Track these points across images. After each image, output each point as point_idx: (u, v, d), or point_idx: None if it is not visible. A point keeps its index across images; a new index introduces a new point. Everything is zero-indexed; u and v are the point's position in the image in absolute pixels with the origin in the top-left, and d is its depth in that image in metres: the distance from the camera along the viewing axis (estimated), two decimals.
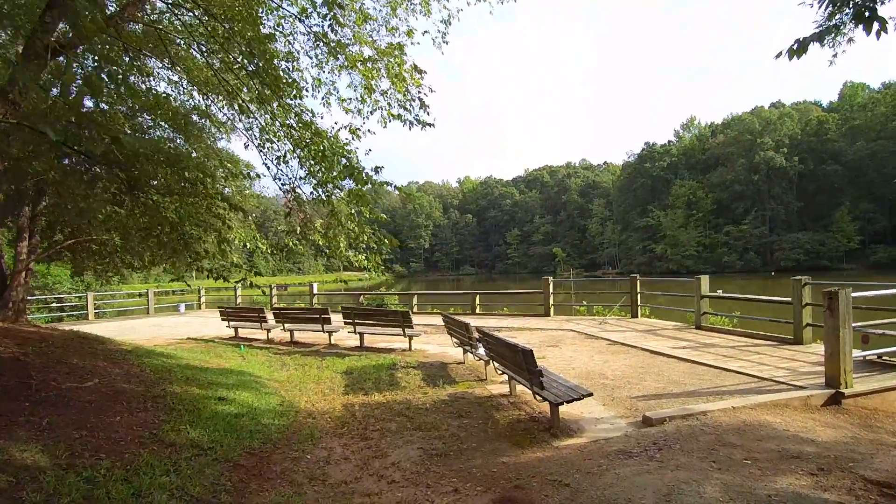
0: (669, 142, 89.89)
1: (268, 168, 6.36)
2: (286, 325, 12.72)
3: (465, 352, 9.18)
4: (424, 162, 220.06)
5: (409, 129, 7.14)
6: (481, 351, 7.97)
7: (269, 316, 13.47)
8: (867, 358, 6.74)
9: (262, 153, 6.38)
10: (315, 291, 20.91)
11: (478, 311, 16.73)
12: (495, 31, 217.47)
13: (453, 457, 5.03)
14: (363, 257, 7.73)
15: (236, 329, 14.10)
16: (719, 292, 11.30)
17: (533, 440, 5.32)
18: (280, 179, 6.44)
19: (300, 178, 6.28)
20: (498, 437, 5.48)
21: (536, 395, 5.74)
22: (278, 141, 6.32)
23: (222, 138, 11.02)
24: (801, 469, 4.13)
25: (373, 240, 6.85)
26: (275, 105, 5.79)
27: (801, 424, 5.29)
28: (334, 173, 6.03)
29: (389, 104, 6.70)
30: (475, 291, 17.34)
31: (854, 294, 6.24)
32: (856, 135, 67.85)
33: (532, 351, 5.58)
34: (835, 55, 5.82)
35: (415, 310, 18.03)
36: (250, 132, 6.59)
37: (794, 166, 69.97)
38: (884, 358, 7.14)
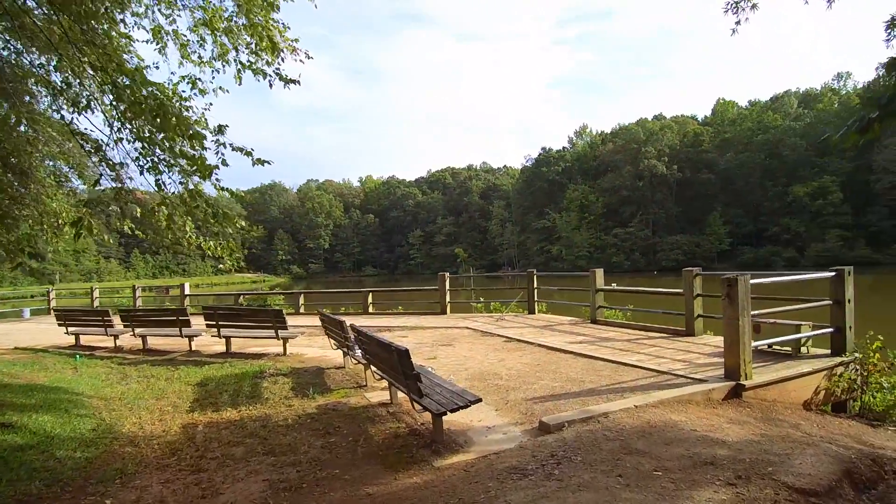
0: (564, 148, 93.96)
1: (62, 118, 4.82)
2: (136, 330, 10.80)
3: (344, 355, 8.04)
4: (326, 161, 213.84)
5: (271, 86, 5.85)
6: (358, 353, 6.90)
7: (118, 319, 11.41)
8: (758, 348, 6.51)
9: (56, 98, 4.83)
10: (187, 292, 18.59)
11: (371, 310, 15.57)
12: (411, 37, 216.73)
13: (307, 490, 3.91)
14: (214, 244, 6.36)
15: (77, 336, 11.85)
16: (613, 286, 11.07)
17: (411, 460, 4.33)
18: (81, 136, 4.93)
19: (107, 135, 4.80)
20: (368, 459, 4.44)
21: (415, 404, 4.77)
22: (78, 80, 4.80)
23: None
24: (719, 478, 3.50)
25: (215, 219, 5.50)
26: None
27: (707, 422, 4.77)
28: (160, 135, 4.65)
29: (237, 48, 5.38)
30: (368, 289, 16.17)
31: (752, 281, 5.92)
32: (726, 146, 74.74)
33: (408, 351, 4.61)
34: (738, 23, 5.46)
35: (301, 311, 16.50)
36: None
37: (674, 174, 75.68)
38: (774, 347, 7.00)
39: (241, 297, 17.60)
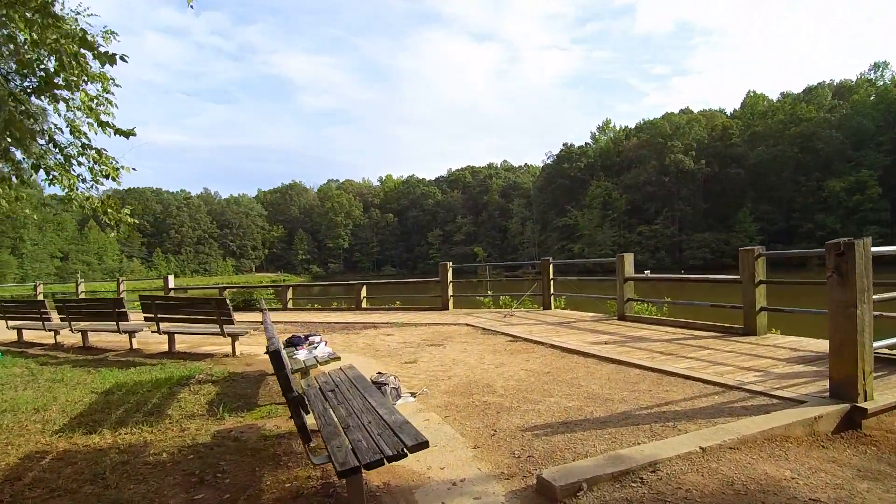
0: (586, 143, 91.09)
1: None
2: (74, 325, 9.11)
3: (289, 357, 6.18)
4: (346, 162, 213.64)
5: None
6: (300, 354, 5.04)
7: (56, 313, 9.76)
8: (879, 353, 4.43)
9: None
10: (171, 286, 17.04)
11: (364, 305, 13.73)
12: (428, 37, 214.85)
13: None
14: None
15: (19, 331, 10.25)
16: (646, 273, 9.02)
17: None
18: None
19: None
20: None
21: (309, 448, 2.86)
22: None
23: None
24: None
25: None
26: None
27: (826, 480, 2.77)
28: None
29: None
30: (361, 282, 14.33)
31: (875, 249, 3.86)
32: (757, 140, 71.25)
33: (278, 352, 2.71)
34: None
35: (289, 306, 14.76)
36: None
37: (702, 169, 72.42)
38: (883, 351, 4.91)
39: (226, 290, 15.94)
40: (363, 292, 13.80)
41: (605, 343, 6.86)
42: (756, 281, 6.81)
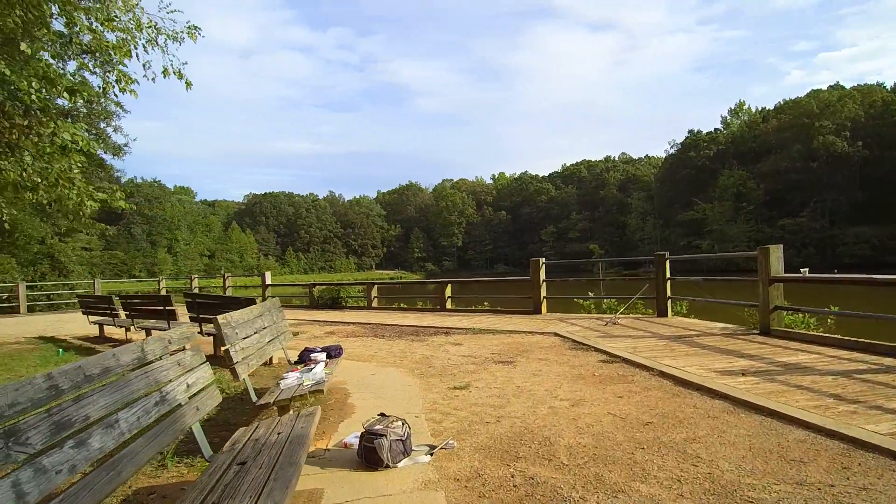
0: (716, 129, 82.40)
1: None
2: (136, 321, 8.71)
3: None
4: (460, 161, 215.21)
5: None
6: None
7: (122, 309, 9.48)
8: None
9: None
10: (267, 282, 16.96)
11: (448, 306, 12.33)
12: (542, 32, 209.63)
13: None
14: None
15: (100, 326, 10.20)
16: (804, 272, 6.59)
17: None
18: None
19: None
20: None
21: None
22: None
23: None
24: None
25: None
26: None
27: None
28: None
29: None
30: (446, 280, 12.95)
31: None
32: None
33: None
34: None
35: (374, 304, 13.80)
36: None
37: (858, 151, 62.01)
38: None
39: (315, 287, 15.43)
40: (447, 292, 12.41)
41: (743, 374, 4.74)
42: None
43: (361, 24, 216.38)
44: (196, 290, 19.62)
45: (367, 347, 7.58)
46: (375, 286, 14.15)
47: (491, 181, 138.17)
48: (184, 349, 2.76)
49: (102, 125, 22.57)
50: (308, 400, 3.81)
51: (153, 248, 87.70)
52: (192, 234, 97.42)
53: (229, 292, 18.00)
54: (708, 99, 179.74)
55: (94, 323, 10.17)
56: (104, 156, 24.38)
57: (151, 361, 2.32)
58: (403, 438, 3.18)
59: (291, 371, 4.13)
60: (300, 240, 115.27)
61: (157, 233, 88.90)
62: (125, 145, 24.86)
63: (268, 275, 17.16)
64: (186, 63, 8.27)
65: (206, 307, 7.29)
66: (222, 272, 19.73)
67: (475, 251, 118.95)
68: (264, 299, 16.68)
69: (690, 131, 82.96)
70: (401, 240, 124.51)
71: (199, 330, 7.31)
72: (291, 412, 3.31)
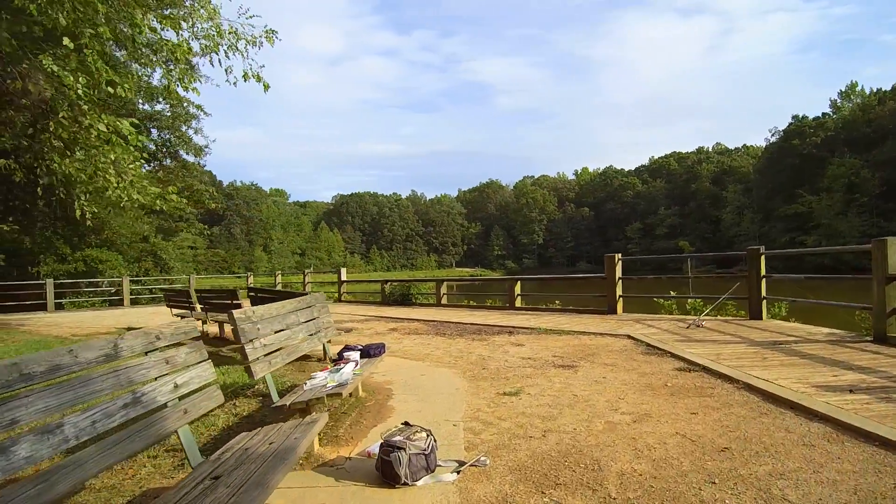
0: (824, 114, 74.75)
1: None
2: (210, 315, 9.00)
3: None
4: (541, 158, 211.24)
5: None
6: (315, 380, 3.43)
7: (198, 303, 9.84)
8: None
9: None
10: (343, 278, 17.24)
11: (518, 303, 11.81)
12: (626, 20, 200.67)
13: None
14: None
15: (182, 318, 10.68)
16: None
17: None
18: None
19: None
20: None
21: None
22: None
23: None
24: None
25: None
26: None
27: None
28: None
29: None
30: (516, 277, 12.42)
31: None
32: None
33: None
34: None
35: (443, 301, 13.54)
36: None
37: None
38: None
39: (388, 283, 15.44)
40: (517, 289, 11.88)
41: (851, 391, 3.92)
42: None
43: (442, 25, 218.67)
44: (279, 286, 20.42)
45: (424, 346, 7.29)
46: (445, 283, 13.89)
47: (573, 177, 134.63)
48: (179, 345, 2.53)
49: (184, 128, 23.95)
50: (334, 402, 3.53)
51: (250, 246, 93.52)
52: (286, 234, 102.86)
53: (308, 288, 18.49)
54: (814, 83, 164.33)
55: (177, 315, 10.67)
56: (188, 157, 25.88)
57: (125, 358, 2.09)
58: (427, 452, 2.80)
59: (322, 370, 3.88)
60: (383, 238, 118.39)
61: (255, 232, 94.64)
62: (206, 147, 26.26)
63: (343, 271, 17.45)
64: (264, 66, 8.47)
65: (265, 301, 7.32)
66: (303, 269, 20.34)
67: (556, 248, 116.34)
68: (340, 295, 16.99)
69: (794, 117, 75.97)
70: (481, 237, 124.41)
71: None
72: (309, 415, 3.03)
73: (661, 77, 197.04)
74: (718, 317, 8.76)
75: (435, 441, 2.94)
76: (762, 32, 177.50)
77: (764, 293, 8.18)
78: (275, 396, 3.42)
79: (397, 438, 2.83)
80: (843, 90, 75.79)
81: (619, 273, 9.98)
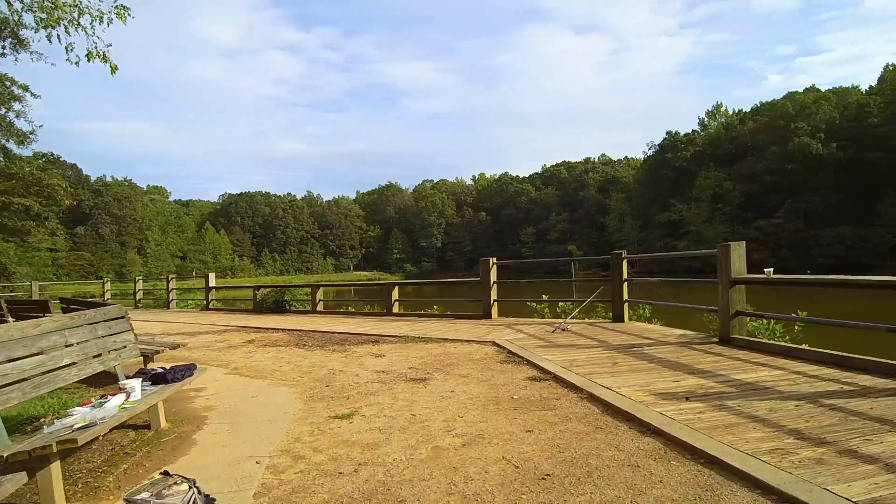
0: (693, 131, 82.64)
1: None
2: None
3: None
4: (443, 162, 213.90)
5: None
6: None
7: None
8: None
9: None
10: (211, 284, 15.80)
11: (396, 309, 11.35)
12: (529, 34, 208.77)
13: None
14: None
15: None
16: (768, 273, 5.74)
17: None
18: None
19: None
20: None
21: None
22: None
23: None
24: None
25: None
26: None
27: None
28: None
29: None
30: (394, 282, 11.98)
31: None
32: None
33: None
34: None
35: (318, 308, 12.75)
36: None
37: (833, 153, 62.33)
38: None
39: (260, 289, 14.32)
40: (394, 295, 11.43)
41: (686, 398, 3.83)
42: None
43: (349, 24, 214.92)
44: (140, 293, 18.40)
45: (276, 360, 6.57)
46: (321, 289, 13.09)
47: (471, 182, 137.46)
48: None
49: (2, 111, 20.62)
50: (128, 435, 2.79)
51: (123, 248, 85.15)
52: (164, 235, 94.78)
53: (173, 295, 16.78)
54: (693, 101, 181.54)
55: None
56: (8, 144, 22.11)
57: None
58: None
59: (82, 405, 3.11)
60: (276, 240, 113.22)
61: (128, 233, 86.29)
62: (31, 133, 22.65)
63: (212, 277, 16.01)
64: (111, 46, 7.38)
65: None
66: (166, 276, 18.44)
67: (455, 252, 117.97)
68: (208, 303, 15.55)
69: (668, 132, 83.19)
70: (380, 241, 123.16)
71: None
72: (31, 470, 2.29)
73: (560, 89, 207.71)
74: (586, 320, 8.87)
75: (201, 495, 2.34)
76: (649, 53, 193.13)
77: (626, 296, 8.37)
78: (6, 442, 2.62)
79: (142, 497, 2.19)
80: (710, 110, 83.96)
81: (493, 277, 9.85)
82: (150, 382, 3.61)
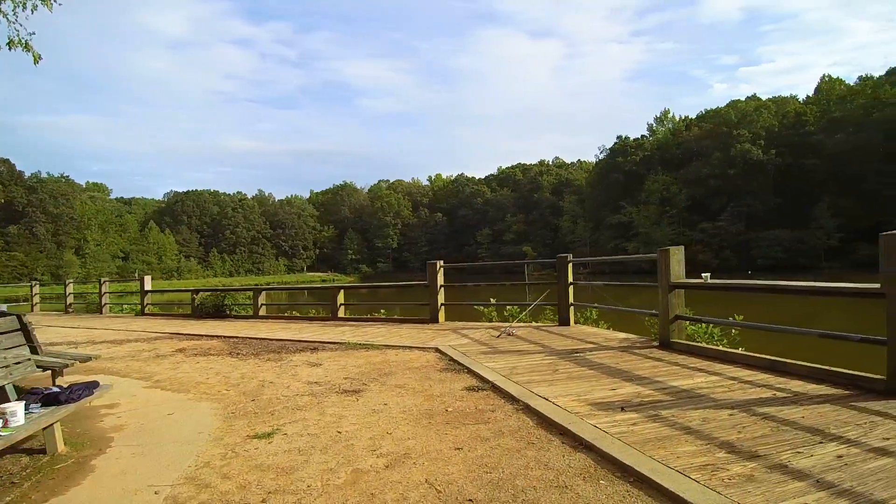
0: (642, 136, 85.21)
1: None
2: None
3: None
4: (399, 162, 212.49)
5: None
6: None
7: None
8: None
9: None
10: (147, 288, 14.99)
11: (342, 314, 11.01)
12: (485, 37, 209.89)
13: None
14: None
15: None
16: (705, 277, 5.76)
17: None
18: None
19: None
20: None
21: None
22: None
23: None
24: None
25: None
26: None
27: None
28: None
29: None
30: (340, 286, 11.65)
31: None
32: (835, 127, 63.54)
33: None
34: None
35: (261, 312, 12.25)
36: None
37: (772, 160, 65.60)
38: None
39: (199, 293, 13.64)
40: (340, 299, 11.08)
41: (622, 409, 3.74)
42: None
43: (302, 20, 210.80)
44: (71, 296, 17.29)
45: (204, 371, 6.16)
46: (263, 293, 12.58)
47: (427, 182, 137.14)
48: None
49: None
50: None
51: (59, 249, 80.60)
52: (105, 234, 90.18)
53: (106, 299, 15.84)
54: (643, 107, 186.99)
55: None
56: None
57: None
58: None
59: None
60: (226, 241, 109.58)
61: (64, 232, 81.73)
62: None
63: (147, 279, 15.20)
64: (35, 34, 6.82)
65: None
66: (100, 278, 17.40)
67: (411, 252, 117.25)
68: (143, 308, 14.74)
69: (619, 137, 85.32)
70: (334, 241, 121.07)
71: None
72: None
73: (516, 92, 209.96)
74: (533, 323, 8.81)
75: None
76: (601, 59, 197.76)
77: (572, 300, 8.35)
78: None
79: None
80: (659, 116, 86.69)
81: (440, 280, 9.67)
82: (39, 404, 3.22)
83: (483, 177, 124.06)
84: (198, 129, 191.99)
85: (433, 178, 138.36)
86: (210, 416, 4.29)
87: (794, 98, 75.87)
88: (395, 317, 10.62)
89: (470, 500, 2.51)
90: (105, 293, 15.84)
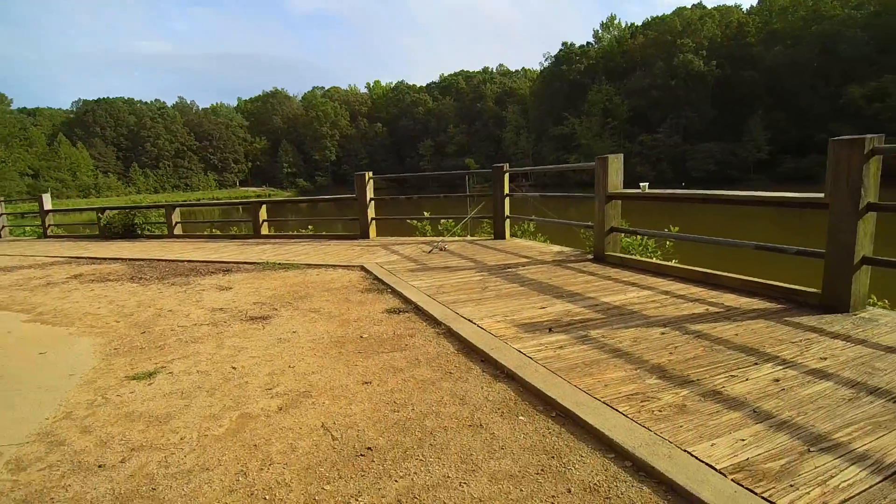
0: (588, 43, 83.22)
1: None
2: None
3: None
4: (334, 69, 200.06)
5: None
6: None
7: None
8: None
9: None
10: (48, 207, 13.50)
11: (264, 231, 10.28)
12: None
13: None
14: None
15: None
16: (643, 187, 5.47)
17: None
18: None
19: None
20: None
21: None
22: None
23: None
24: None
25: None
26: None
27: None
28: None
29: None
30: (261, 201, 10.80)
31: None
32: (774, 40, 64.11)
33: None
34: None
35: (176, 231, 11.29)
36: None
37: (712, 71, 66.05)
38: None
39: (107, 211, 12.39)
40: (262, 215, 10.30)
41: (550, 329, 3.46)
42: (863, 203, 3.32)
43: None
44: None
45: (96, 300, 5.47)
46: (177, 209, 11.55)
47: (366, 90, 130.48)
48: None
49: None
50: None
51: None
52: (8, 150, 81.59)
53: (3, 221, 14.24)
54: (594, 13, 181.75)
55: None
56: None
57: None
58: None
59: None
60: (147, 154, 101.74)
61: None
62: None
63: (46, 198, 13.67)
64: None
65: None
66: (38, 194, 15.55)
67: (351, 166, 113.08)
68: (45, 230, 13.35)
69: (564, 44, 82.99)
70: (268, 154, 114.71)
71: None
72: None
73: None
74: (467, 238, 8.46)
75: None
76: None
77: (507, 212, 8.00)
78: None
79: None
80: (605, 21, 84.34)
81: (370, 194, 9.05)
82: None
83: (424, 85, 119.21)
84: (97, 29, 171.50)
85: (372, 85, 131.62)
86: (89, 353, 3.71)
87: (737, 7, 75.38)
88: (323, 233, 10.01)
89: (369, 447, 2.15)
90: (2, 214, 14.21)
